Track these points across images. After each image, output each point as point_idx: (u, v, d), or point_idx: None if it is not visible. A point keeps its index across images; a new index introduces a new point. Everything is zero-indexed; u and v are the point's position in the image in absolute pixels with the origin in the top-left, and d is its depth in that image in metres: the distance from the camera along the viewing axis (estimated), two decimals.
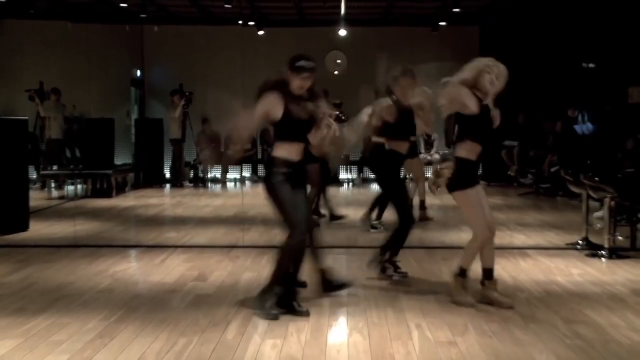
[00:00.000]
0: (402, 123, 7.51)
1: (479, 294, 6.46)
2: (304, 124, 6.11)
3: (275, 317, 5.95)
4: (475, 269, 6.55)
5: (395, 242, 7.46)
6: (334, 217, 11.52)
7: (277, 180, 6.07)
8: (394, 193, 7.64)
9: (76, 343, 5.36)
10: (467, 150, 6.29)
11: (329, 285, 6.73)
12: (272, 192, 6.11)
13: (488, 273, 6.57)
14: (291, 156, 6.12)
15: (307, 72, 6.14)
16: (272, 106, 6.03)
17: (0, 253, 8.82)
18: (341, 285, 6.81)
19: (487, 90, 6.22)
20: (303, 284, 6.66)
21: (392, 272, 7.39)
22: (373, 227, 10.64)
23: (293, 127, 6.08)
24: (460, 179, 6.31)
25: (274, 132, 6.24)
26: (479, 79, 6.22)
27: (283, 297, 6.15)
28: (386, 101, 7.64)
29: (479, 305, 6.36)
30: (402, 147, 7.64)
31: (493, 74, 6.20)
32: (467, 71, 6.33)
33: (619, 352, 5.24)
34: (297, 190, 6.25)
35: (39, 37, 19.83)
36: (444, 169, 6.46)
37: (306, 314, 6.09)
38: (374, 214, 10.66)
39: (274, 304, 6.06)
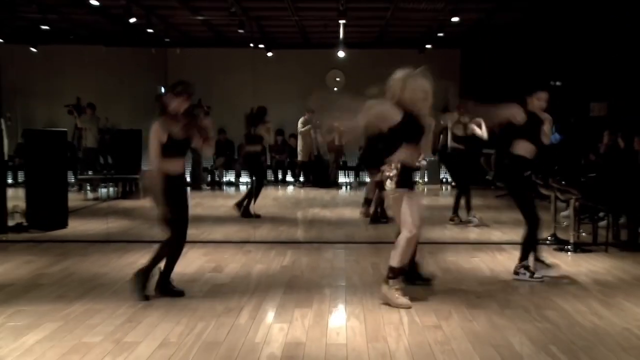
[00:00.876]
0: None
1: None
2: (183, 142, 6.20)
3: (146, 299, 6.08)
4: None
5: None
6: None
7: (170, 187, 6.14)
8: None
9: (108, 326, 5.37)
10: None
11: (417, 276, 6.71)
12: (166, 196, 6.12)
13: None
14: (175, 169, 6.19)
15: (186, 95, 6.17)
16: (162, 133, 6.06)
17: (43, 247, 8.83)
18: (427, 279, 6.77)
19: (406, 100, 6.09)
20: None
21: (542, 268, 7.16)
22: (470, 221, 10.95)
23: (174, 145, 6.13)
24: (402, 180, 6.10)
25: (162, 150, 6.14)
26: (398, 93, 6.12)
27: (160, 283, 6.25)
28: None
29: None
30: None
31: (406, 87, 6.12)
32: (388, 92, 6.22)
33: (582, 334, 5.26)
34: (182, 195, 6.36)
35: (77, 60, 19.98)
36: (385, 170, 6.31)
37: (182, 293, 6.28)
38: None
39: (144, 287, 6.14)
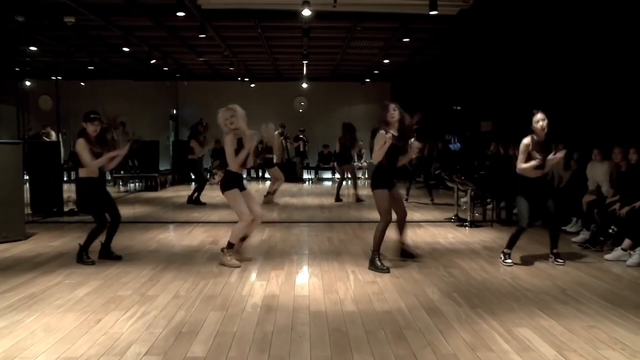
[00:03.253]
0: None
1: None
2: (99, 155, 6.08)
3: (92, 263, 6.09)
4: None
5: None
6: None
7: (90, 187, 6.10)
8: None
9: (136, 283, 5.32)
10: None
11: (405, 253, 6.44)
12: (87, 196, 6.12)
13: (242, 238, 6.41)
14: (93, 174, 6.08)
15: (97, 121, 6.11)
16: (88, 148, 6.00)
17: (88, 227, 8.59)
18: (412, 255, 6.44)
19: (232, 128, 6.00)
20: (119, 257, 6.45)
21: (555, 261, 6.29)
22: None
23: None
24: (227, 183, 6.02)
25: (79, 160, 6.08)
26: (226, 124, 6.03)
27: (103, 252, 6.31)
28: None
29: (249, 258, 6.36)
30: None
31: (228, 119, 6.03)
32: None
33: (475, 284, 5.35)
34: (106, 193, 6.34)
35: (113, 90, 19.69)
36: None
37: (119, 257, 6.35)
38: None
39: (88, 255, 6.16)
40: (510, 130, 12.65)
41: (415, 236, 7.98)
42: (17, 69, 17.54)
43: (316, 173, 19.39)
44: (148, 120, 19.53)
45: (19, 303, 4.67)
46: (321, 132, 19.73)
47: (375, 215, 10.08)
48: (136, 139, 17.51)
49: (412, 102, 19.26)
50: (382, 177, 5.94)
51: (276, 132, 17.88)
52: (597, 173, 7.91)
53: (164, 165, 17.02)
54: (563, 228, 8.29)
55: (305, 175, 19.04)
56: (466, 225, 8.76)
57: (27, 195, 7.93)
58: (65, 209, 9.97)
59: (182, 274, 5.73)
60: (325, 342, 3.84)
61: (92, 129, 6.06)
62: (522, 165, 6.08)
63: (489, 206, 9.69)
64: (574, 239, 7.53)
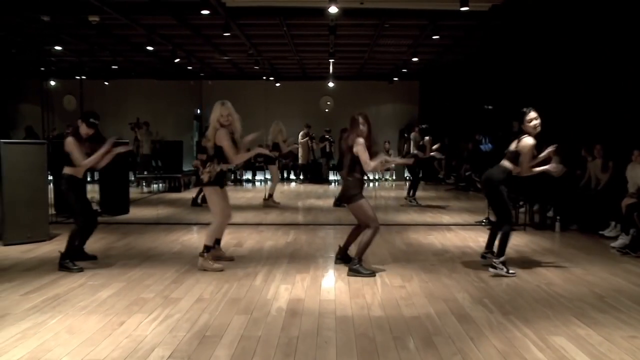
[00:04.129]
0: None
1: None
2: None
3: (80, 270, 5.91)
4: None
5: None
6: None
7: (72, 185, 6.05)
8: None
9: (159, 286, 5.37)
10: None
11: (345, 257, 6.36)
12: (70, 195, 6.05)
13: (217, 242, 6.42)
14: (77, 174, 6.08)
15: (93, 128, 6.11)
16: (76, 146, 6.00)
17: (111, 228, 8.80)
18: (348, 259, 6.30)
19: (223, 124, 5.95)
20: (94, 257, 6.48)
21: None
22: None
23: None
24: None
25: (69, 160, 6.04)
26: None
27: (77, 254, 6.17)
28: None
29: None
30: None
31: (224, 116, 5.98)
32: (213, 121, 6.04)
33: (507, 290, 5.28)
34: (84, 193, 6.44)
35: (137, 90, 19.99)
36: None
37: (94, 257, 6.40)
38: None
39: (73, 261, 5.99)
40: (544, 130, 12.47)
41: (445, 239, 7.91)
42: (42, 68, 17.89)
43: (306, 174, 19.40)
44: (172, 120, 19.75)
45: (43, 304, 4.76)
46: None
47: (402, 218, 10.12)
48: (159, 139, 17.81)
49: (441, 99, 19.22)
50: (360, 186, 5.90)
51: (301, 133, 18.00)
52: (638, 174, 7.75)
53: (187, 166, 17.18)
54: (600, 232, 8.15)
55: (332, 177, 19.04)
56: None
57: (51, 195, 8.05)
58: None
59: (206, 276, 5.76)
60: (352, 348, 3.82)
61: (85, 130, 6.07)
62: (533, 169, 5.92)
63: (522, 209, 9.56)
64: (612, 244, 7.37)
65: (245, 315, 4.51)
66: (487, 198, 6.32)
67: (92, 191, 11.23)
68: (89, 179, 15.14)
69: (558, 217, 8.70)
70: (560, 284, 5.50)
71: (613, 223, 8.08)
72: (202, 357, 3.65)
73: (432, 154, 11.90)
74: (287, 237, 8.08)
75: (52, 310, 4.59)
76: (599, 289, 5.32)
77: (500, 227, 6.05)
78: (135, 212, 10.53)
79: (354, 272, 5.82)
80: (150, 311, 4.58)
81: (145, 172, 16.56)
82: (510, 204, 6.04)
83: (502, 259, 5.89)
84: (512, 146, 6.03)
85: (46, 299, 4.91)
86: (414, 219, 9.99)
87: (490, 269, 5.94)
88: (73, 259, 6.04)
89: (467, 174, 15.20)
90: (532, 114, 5.97)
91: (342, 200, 6.05)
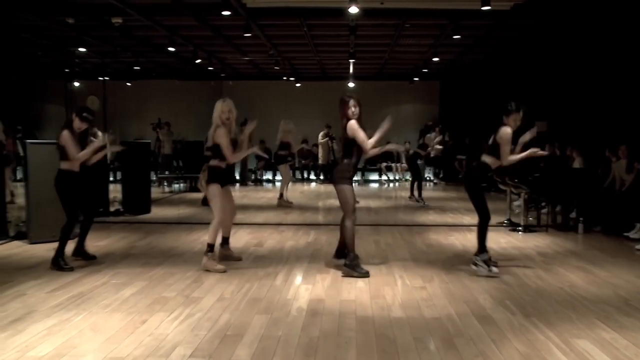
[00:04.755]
0: None
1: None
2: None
3: (71, 269, 5.90)
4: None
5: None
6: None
7: (67, 180, 6.01)
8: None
9: (180, 285, 5.41)
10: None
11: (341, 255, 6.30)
12: (65, 189, 6.02)
13: (224, 240, 6.40)
14: (73, 168, 6.03)
15: (87, 121, 6.08)
16: (71, 139, 5.99)
17: (133, 227, 8.90)
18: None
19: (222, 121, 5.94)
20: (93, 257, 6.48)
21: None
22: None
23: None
24: (211, 177, 5.98)
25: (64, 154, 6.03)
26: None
27: (77, 252, 6.29)
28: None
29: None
30: None
31: (225, 112, 5.95)
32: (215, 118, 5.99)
33: (528, 291, 5.24)
34: (86, 191, 6.26)
35: (158, 90, 20.22)
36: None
37: (93, 257, 6.40)
38: None
39: (65, 261, 5.98)
40: (566, 130, 12.33)
41: (466, 240, 7.86)
42: (66, 70, 18.18)
43: (362, 174, 19.35)
44: (193, 120, 19.88)
45: (67, 302, 4.84)
46: (368, 133, 19.64)
47: (423, 218, 10.07)
48: (180, 139, 17.97)
49: (461, 99, 19.09)
50: (352, 172, 5.89)
51: (321, 133, 18.00)
52: None
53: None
54: (625, 234, 8.03)
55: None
56: (519, 230, 8.57)
57: None
58: (111, 209, 10.24)
59: (227, 276, 5.79)
60: (372, 348, 3.82)
61: (78, 125, 6.07)
62: (513, 157, 5.92)
63: (544, 210, 9.46)
64: (637, 246, 7.26)
65: (266, 314, 4.53)
66: (468, 196, 6.26)
67: (115, 191, 11.39)
68: (111, 179, 15.41)
69: (581, 219, 8.59)
70: (583, 286, 5.43)
71: (638, 225, 7.95)
72: (223, 356, 3.67)
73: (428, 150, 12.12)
74: (308, 237, 8.10)
75: (77, 308, 4.66)
76: (623, 292, 5.25)
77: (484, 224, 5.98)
78: (156, 212, 10.63)
79: (348, 268, 5.79)
80: (171, 310, 4.63)
81: (167, 172, 16.72)
82: (485, 202, 6.02)
83: (483, 256, 5.85)
84: (491, 140, 6.03)
85: (71, 297, 4.98)
86: (435, 219, 9.94)
87: (472, 266, 5.93)
88: (76, 255, 6.24)
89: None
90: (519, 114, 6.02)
91: (331, 178, 6.02)
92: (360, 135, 5.71)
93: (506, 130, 5.87)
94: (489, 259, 5.91)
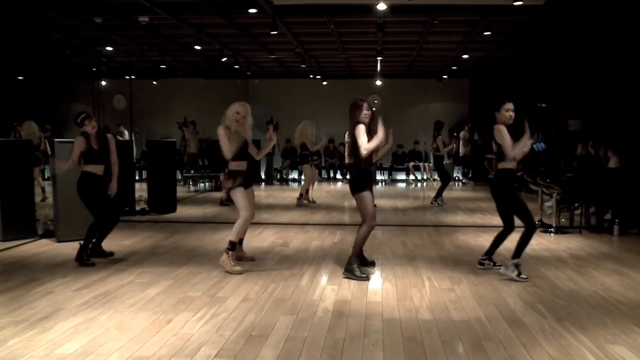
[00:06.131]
0: None
1: None
2: (99, 152, 6.40)
3: (92, 264, 6.17)
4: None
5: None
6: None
7: (92, 184, 6.30)
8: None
9: (206, 285, 5.45)
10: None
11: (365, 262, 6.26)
12: (89, 191, 6.32)
13: (240, 242, 6.40)
14: (96, 171, 6.35)
15: (88, 120, 6.32)
16: (82, 144, 6.27)
17: (159, 226, 9.01)
18: (370, 263, 6.29)
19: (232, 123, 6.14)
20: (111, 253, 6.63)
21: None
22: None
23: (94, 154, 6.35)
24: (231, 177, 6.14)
25: (84, 157, 6.32)
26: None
27: (94, 250, 6.41)
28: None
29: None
30: None
31: (240, 113, 6.14)
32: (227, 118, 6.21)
33: (561, 295, 5.16)
34: (101, 190, 6.42)
35: (184, 89, 20.42)
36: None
37: (111, 254, 6.56)
38: None
39: (89, 256, 6.27)
40: (601, 129, 12.09)
41: None
42: (93, 69, 18.46)
43: (390, 174, 19.26)
44: (219, 119, 19.99)
45: (93, 300, 4.91)
46: (396, 131, 19.40)
47: (451, 219, 9.97)
48: (206, 138, 18.11)
49: (490, 98, 18.85)
50: (367, 177, 5.87)
51: (348, 132, 17.98)
52: None
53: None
54: None
55: (378, 177, 18.95)
56: (551, 232, 8.43)
57: None
58: (137, 207, 10.38)
59: (252, 276, 5.82)
60: (399, 351, 3.79)
61: (89, 127, 6.35)
62: (517, 150, 5.80)
63: (577, 211, 9.29)
64: None
65: (292, 315, 4.53)
66: (496, 205, 6.15)
67: (140, 190, 11.55)
68: (137, 178, 15.62)
69: (617, 220, 8.42)
70: (619, 291, 5.32)
71: None
72: (248, 357, 3.69)
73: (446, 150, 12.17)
74: (334, 237, 8.09)
75: (103, 307, 4.73)
76: None
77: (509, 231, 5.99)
78: (182, 211, 10.73)
79: (348, 272, 5.76)
80: (196, 310, 4.67)
81: (192, 171, 16.86)
82: (525, 206, 5.90)
83: (515, 260, 5.75)
84: (494, 147, 5.95)
85: (97, 295, 5.06)
86: (464, 220, 9.85)
87: (502, 270, 5.82)
88: (92, 255, 6.37)
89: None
90: (509, 105, 5.98)
91: (350, 188, 6.03)
92: (362, 138, 5.71)
93: (499, 128, 5.84)
94: (520, 265, 5.79)
